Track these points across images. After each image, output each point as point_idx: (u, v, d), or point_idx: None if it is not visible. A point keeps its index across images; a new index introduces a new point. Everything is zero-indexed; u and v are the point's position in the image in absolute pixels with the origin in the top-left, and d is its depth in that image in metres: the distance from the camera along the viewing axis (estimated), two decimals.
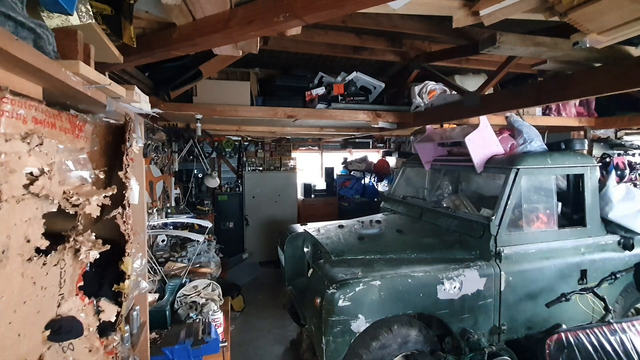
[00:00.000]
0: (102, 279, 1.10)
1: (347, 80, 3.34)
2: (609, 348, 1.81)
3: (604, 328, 1.87)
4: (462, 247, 2.51)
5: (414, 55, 3.14)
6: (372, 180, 6.67)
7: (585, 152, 3.05)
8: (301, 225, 3.34)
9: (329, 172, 6.46)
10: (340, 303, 2.00)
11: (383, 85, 3.55)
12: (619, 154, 4.17)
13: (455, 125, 3.52)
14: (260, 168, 5.88)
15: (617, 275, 2.23)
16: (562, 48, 1.85)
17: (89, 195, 0.85)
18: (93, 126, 1.01)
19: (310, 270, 2.42)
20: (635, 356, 1.80)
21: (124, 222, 1.07)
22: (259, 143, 6.01)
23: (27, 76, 0.71)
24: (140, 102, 1.21)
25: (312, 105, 3.22)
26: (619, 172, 3.54)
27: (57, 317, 0.83)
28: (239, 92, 3.05)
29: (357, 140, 6.50)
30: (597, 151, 4.29)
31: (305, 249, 3.14)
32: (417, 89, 3.44)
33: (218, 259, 3.15)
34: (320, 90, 3.25)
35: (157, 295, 2.14)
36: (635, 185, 3.55)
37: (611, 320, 1.93)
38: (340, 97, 3.24)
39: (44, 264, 0.77)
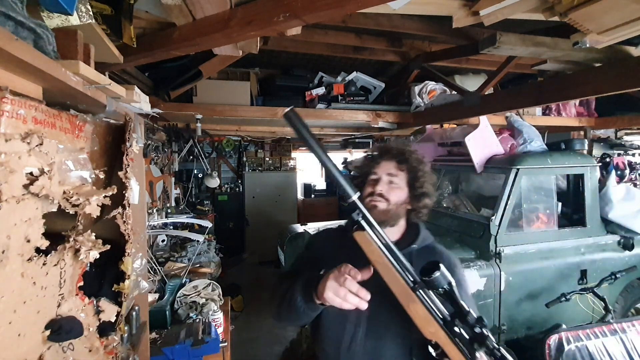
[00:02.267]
0: (102, 279, 1.10)
1: (347, 80, 3.33)
2: (609, 348, 1.81)
3: (604, 328, 1.87)
4: (462, 247, 2.51)
5: (414, 55, 3.14)
6: None
7: (585, 152, 3.05)
8: (301, 225, 3.34)
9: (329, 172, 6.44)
10: None
11: (383, 85, 3.55)
12: (619, 154, 4.17)
13: (455, 125, 3.52)
14: (260, 168, 5.88)
15: (617, 275, 2.22)
16: (562, 48, 1.85)
17: (89, 195, 0.85)
18: (93, 126, 1.01)
19: None
20: (635, 356, 1.80)
21: (124, 222, 1.07)
22: (259, 143, 6.00)
23: (27, 76, 0.71)
24: (140, 102, 1.21)
25: (312, 105, 3.22)
26: (619, 172, 3.53)
27: (57, 317, 0.83)
28: (239, 92, 3.05)
29: (357, 140, 6.49)
30: (597, 151, 4.28)
31: None
32: (417, 89, 3.44)
33: (218, 259, 3.15)
34: (320, 90, 3.25)
35: (157, 295, 2.13)
36: (635, 185, 3.55)
37: (611, 320, 1.93)
38: (340, 97, 3.24)
39: (44, 264, 0.77)
